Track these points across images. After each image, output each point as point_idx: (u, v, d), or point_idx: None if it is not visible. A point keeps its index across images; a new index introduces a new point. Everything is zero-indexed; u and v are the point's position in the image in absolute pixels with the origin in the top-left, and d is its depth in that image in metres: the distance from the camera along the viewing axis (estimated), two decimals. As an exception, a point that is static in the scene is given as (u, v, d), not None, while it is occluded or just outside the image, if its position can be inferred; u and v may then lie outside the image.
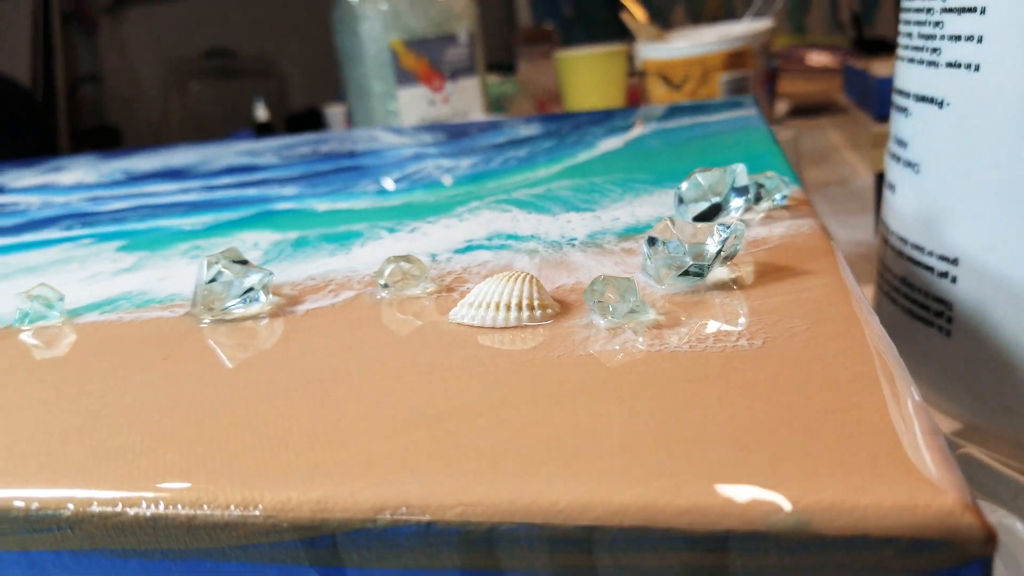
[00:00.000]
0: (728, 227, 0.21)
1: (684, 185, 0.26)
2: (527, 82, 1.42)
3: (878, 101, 0.87)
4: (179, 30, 2.29)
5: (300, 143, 0.58)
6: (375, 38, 0.89)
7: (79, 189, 0.49)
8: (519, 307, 0.20)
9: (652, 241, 0.22)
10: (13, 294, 0.29)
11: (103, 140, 1.73)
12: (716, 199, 0.26)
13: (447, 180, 0.39)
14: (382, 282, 0.24)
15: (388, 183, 0.38)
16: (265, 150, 0.56)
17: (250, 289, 0.24)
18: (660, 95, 0.79)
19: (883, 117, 0.86)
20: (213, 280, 0.24)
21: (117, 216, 0.40)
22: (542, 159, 0.41)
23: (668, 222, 0.22)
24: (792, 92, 1.05)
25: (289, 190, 0.41)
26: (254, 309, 0.24)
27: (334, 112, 1.19)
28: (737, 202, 0.26)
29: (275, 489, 0.14)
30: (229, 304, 0.24)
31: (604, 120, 0.52)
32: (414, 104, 0.91)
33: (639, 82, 0.85)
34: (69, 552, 0.15)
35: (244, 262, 0.24)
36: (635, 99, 1.07)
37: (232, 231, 0.34)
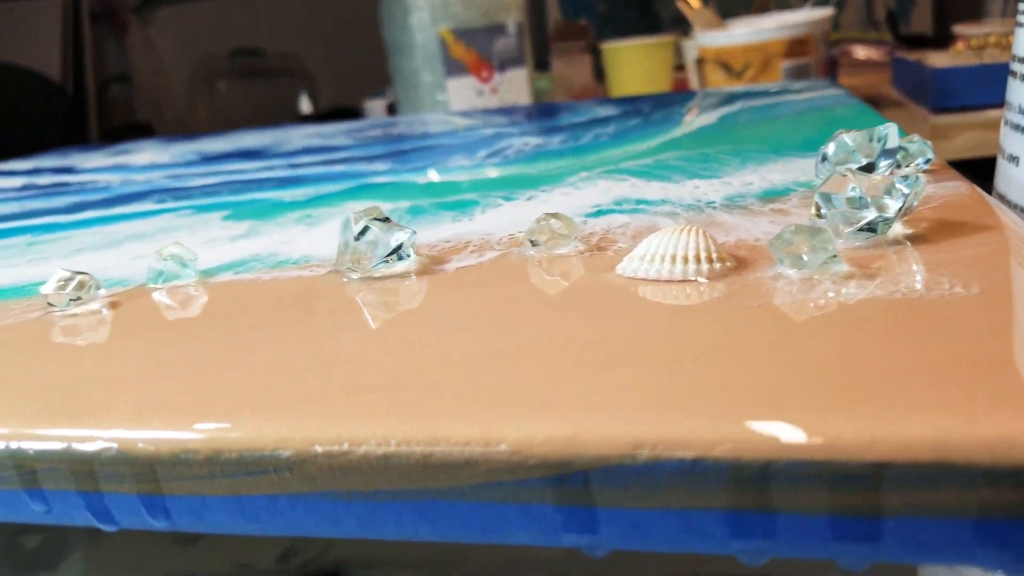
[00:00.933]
0: (910, 179, 0.20)
1: (831, 146, 0.26)
2: (561, 78, 1.41)
3: (935, 93, 0.85)
4: (207, 29, 2.30)
5: (368, 126, 0.58)
6: (424, 28, 0.88)
7: (155, 168, 0.49)
8: (696, 259, 0.20)
9: (826, 195, 0.21)
10: (131, 257, 0.28)
11: (137, 138, 1.74)
12: (866, 160, 0.25)
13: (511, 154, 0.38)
14: (532, 239, 0.23)
15: (432, 174, 0.38)
16: (335, 133, 0.56)
17: (399, 247, 0.23)
18: (719, 82, 0.78)
19: (939, 109, 0.85)
20: (360, 238, 0.23)
21: (208, 190, 0.39)
22: (634, 135, 0.41)
23: (849, 174, 0.21)
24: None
25: (378, 166, 0.41)
26: (400, 267, 0.23)
27: (374, 105, 1.19)
28: (885, 164, 0.25)
29: (519, 424, 0.13)
30: (378, 262, 0.23)
31: (683, 100, 0.51)
32: (463, 95, 0.91)
33: (699, 70, 0.83)
34: (286, 496, 0.15)
35: (386, 219, 0.24)
36: (682, 91, 1.06)
37: (337, 201, 0.34)
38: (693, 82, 0.93)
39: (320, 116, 2.28)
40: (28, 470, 0.16)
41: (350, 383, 0.16)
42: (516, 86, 0.95)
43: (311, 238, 0.28)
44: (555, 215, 0.23)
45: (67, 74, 2.08)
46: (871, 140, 0.25)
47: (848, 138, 0.25)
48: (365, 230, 0.23)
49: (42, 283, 0.26)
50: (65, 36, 2.05)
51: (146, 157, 0.54)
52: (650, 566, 0.25)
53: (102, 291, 0.23)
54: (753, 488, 0.13)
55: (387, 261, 0.23)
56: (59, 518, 0.16)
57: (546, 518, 0.14)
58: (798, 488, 0.12)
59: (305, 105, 1.04)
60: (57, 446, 0.15)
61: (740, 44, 0.75)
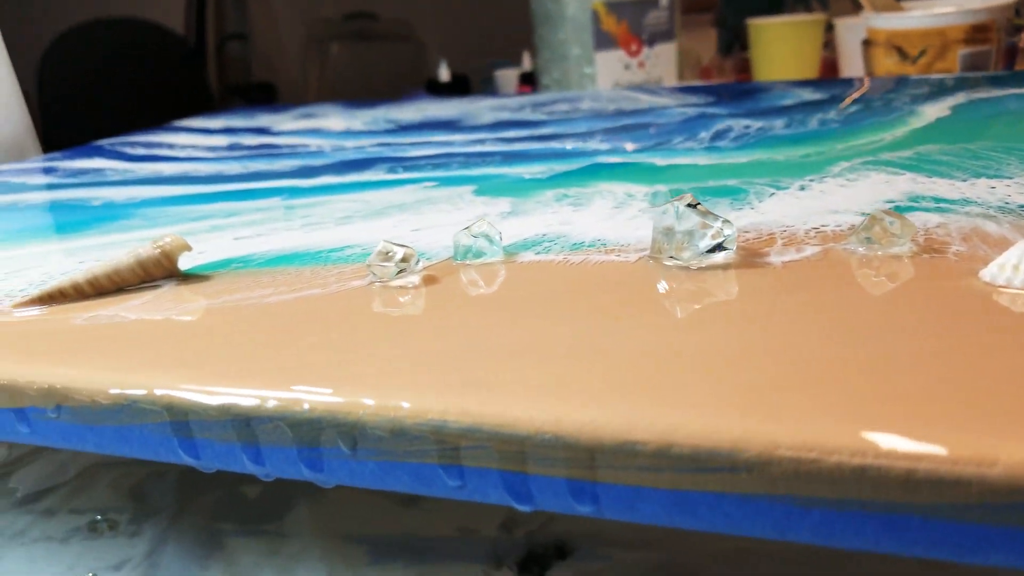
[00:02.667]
0: None
1: None
2: (688, 52, 1.38)
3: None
4: (323, -9, 2.31)
5: (554, 100, 0.57)
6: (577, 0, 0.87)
7: (357, 135, 0.49)
8: (1085, 272, 0.19)
9: None
10: (409, 228, 0.29)
11: (259, 96, 1.78)
12: None
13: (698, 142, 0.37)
14: (867, 236, 0.22)
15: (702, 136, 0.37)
16: (520, 106, 0.56)
17: (723, 236, 0.23)
18: (888, 67, 0.75)
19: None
20: (680, 226, 0.23)
21: (435, 162, 0.40)
22: (867, 123, 0.39)
23: None
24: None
25: (597, 143, 0.40)
26: (719, 258, 0.23)
27: (506, 75, 1.19)
28: None
29: (1015, 445, 0.13)
30: (701, 252, 0.23)
31: (891, 86, 0.49)
32: (610, 68, 0.90)
33: (866, 53, 0.80)
34: (736, 495, 0.14)
35: (695, 205, 0.23)
36: (828, 72, 1.02)
37: (580, 181, 0.33)
38: (849, 64, 0.90)
39: (431, 84, 2.28)
40: (450, 446, 0.16)
41: (788, 384, 0.15)
42: (664, 61, 0.93)
43: (589, 219, 0.28)
44: (889, 212, 0.22)
45: (189, 29, 2.14)
46: None
47: None
48: (685, 217, 0.23)
49: (332, 250, 0.27)
50: (188, -9, 2.09)
51: (337, 123, 0.55)
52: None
53: (420, 265, 0.24)
54: None
55: (713, 249, 0.23)
56: (470, 494, 0.17)
57: (1035, 543, 0.13)
58: None
59: (444, 73, 1.04)
60: (487, 427, 0.16)
61: (917, 28, 0.72)
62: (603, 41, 0.88)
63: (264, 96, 1.75)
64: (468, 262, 0.25)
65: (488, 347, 0.18)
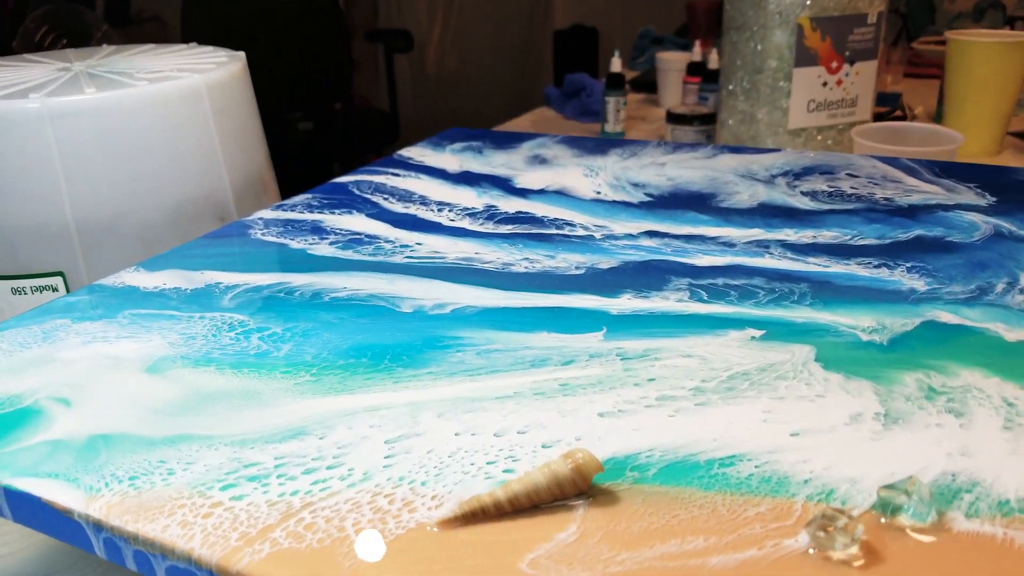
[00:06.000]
0: None
1: None
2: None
3: None
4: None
5: (806, 168, 0.55)
6: (783, 12, 0.83)
7: (613, 210, 0.48)
8: None
9: None
10: (782, 433, 0.28)
11: (396, 43, 1.76)
12: None
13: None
14: None
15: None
16: (770, 175, 0.53)
17: None
18: None
19: None
20: None
21: (738, 288, 0.38)
22: None
23: None
24: None
25: (907, 276, 0.38)
26: None
27: (670, 59, 1.14)
28: None
29: None
30: None
31: None
32: (807, 84, 0.86)
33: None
34: None
35: None
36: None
37: (932, 356, 0.32)
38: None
39: (558, 34, 2.23)
40: None
41: None
42: (863, 79, 0.88)
43: (988, 450, 0.26)
44: None
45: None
46: None
47: None
48: None
49: (722, 462, 0.26)
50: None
51: (578, 180, 0.53)
52: None
53: (859, 530, 0.23)
54: None
55: None
56: None
57: None
58: None
59: (616, 63, 1.01)
60: None
61: None
62: (804, 57, 0.84)
63: (401, 43, 1.73)
64: (897, 523, 0.24)
65: None
